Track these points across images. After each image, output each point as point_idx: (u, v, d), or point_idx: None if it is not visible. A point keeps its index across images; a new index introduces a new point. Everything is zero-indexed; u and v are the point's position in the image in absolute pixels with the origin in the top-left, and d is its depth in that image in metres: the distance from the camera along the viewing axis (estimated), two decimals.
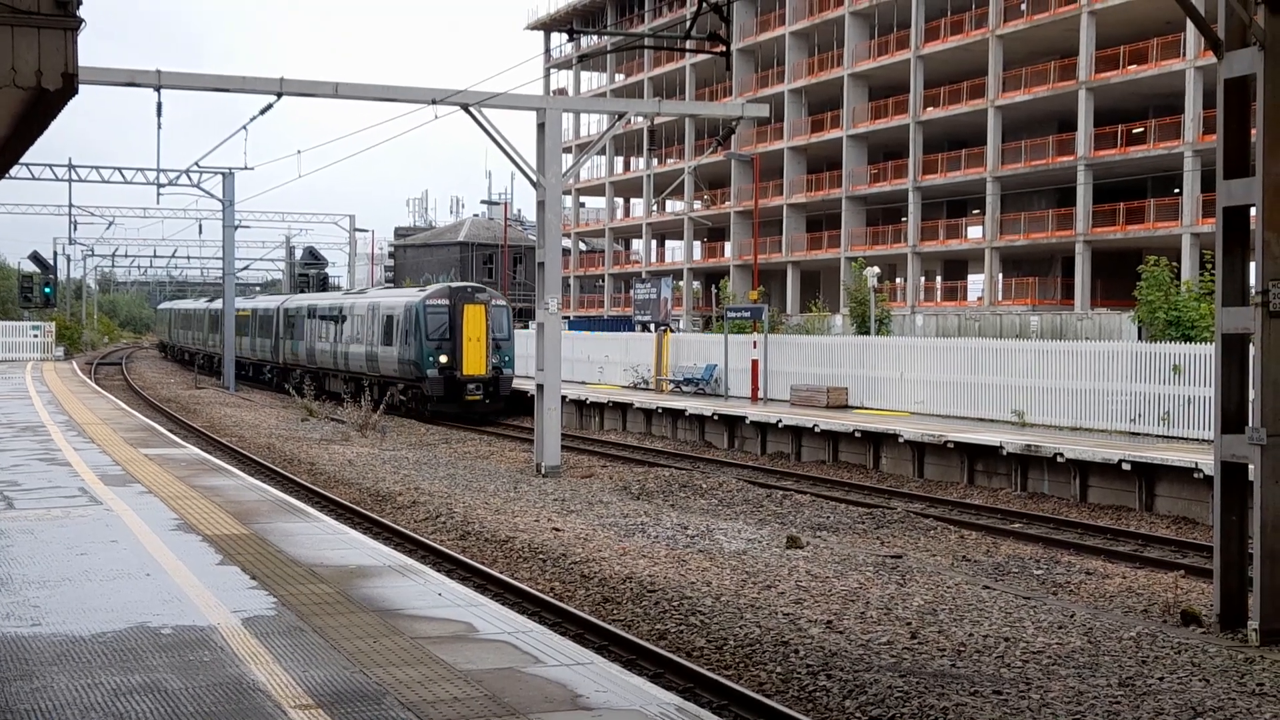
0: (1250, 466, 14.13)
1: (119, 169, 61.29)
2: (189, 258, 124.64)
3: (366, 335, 49.01)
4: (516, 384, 44.94)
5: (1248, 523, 14.35)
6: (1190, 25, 51.06)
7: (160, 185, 58.37)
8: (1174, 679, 12.28)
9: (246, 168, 51.27)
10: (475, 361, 43.36)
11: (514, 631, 11.17)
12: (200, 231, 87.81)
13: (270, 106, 28.99)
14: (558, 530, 20.42)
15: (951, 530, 21.78)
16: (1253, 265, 14.25)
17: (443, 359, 42.99)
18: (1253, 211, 14.28)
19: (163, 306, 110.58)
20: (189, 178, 59.30)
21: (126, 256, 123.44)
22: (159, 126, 30.76)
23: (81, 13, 7.51)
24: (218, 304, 70.64)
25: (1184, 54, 58.92)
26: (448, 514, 22.43)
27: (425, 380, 43.10)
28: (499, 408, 43.97)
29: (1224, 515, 14.54)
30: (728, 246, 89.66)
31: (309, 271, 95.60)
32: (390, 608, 11.93)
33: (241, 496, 19.34)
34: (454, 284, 47.67)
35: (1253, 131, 14.29)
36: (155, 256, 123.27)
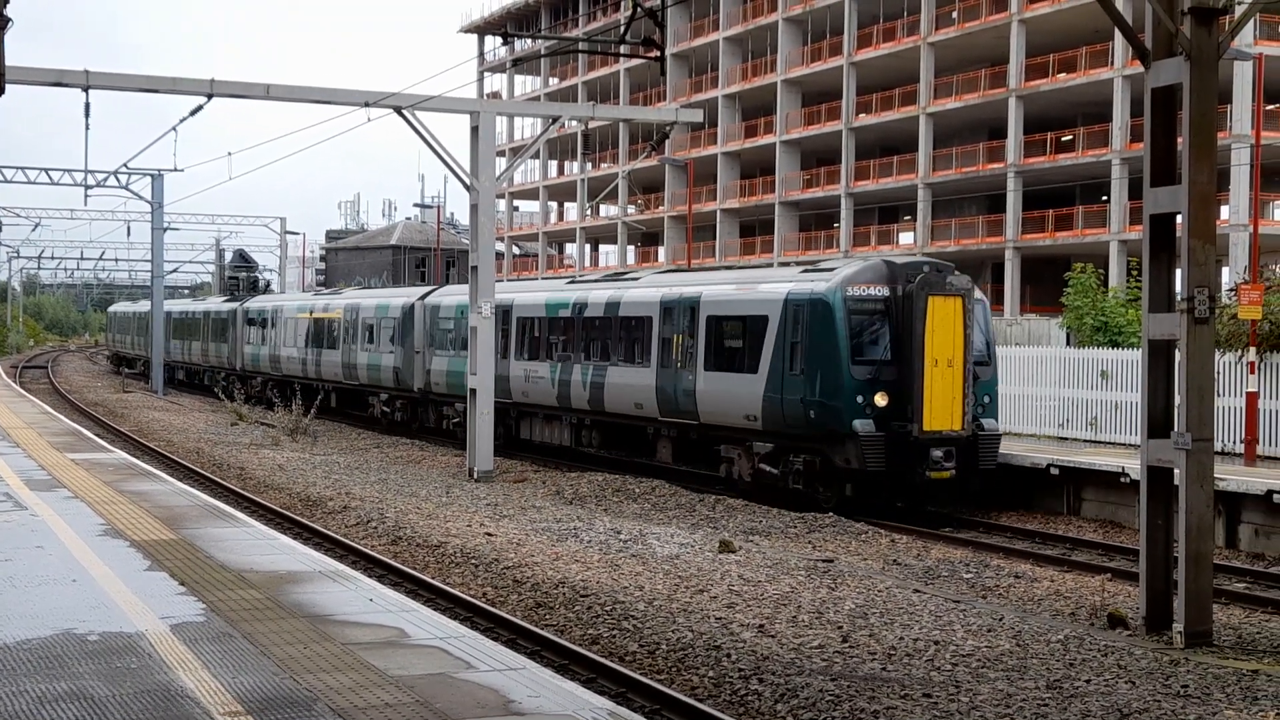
0: (1175, 471, 14.31)
1: (45, 170, 60.46)
2: (117, 260, 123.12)
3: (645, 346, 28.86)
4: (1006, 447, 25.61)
5: (1173, 526, 14.53)
6: (1118, 35, 51.66)
7: (88, 187, 57.63)
8: (1101, 681, 12.42)
9: (176, 169, 50.90)
10: (944, 407, 23.70)
11: (446, 637, 11.13)
12: (129, 234, 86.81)
13: (200, 108, 28.74)
14: (490, 535, 20.36)
15: (882, 534, 21.91)
16: (1179, 272, 14.44)
17: (880, 401, 23.54)
18: (1179, 219, 14.47)
19: (117, 309, 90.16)
20: (117, 179, 58.61)
21: (53, 259, 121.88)
22: (87, 127, 30.40)
23: (8, 11, 7.42)
24: (212, 304, 62.52)
25: (1112, 63, 59.64)
26: (379, 519, 22.31)
27: (847, 440, 23.54)
28: (976, 490, 24.50)
29: (1149, 519, 14.73)
30: (661, 251, 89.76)
31: (239, 274, 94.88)
32: (321, 613, 11.84)
33: (170, 502, 19.15)
34: (895, 257, 26.68)
35: (1179, 140, 14.47)
36: (83, 259, 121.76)
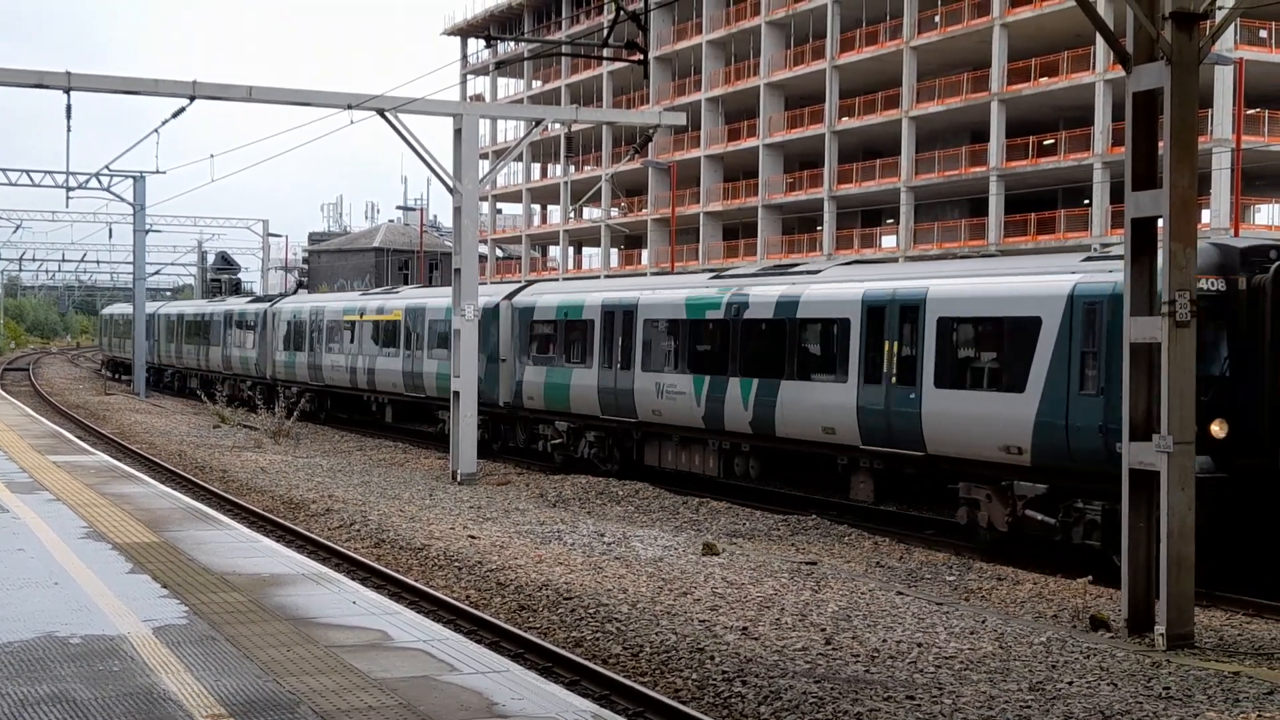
0: (1158, 474, 14.36)
1: (26, 171, 60.26)
2: (99, 262, 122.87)
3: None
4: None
5: (1155, 529, 14.58)
6: (1100, 39, 51.84)
7: (69, 188, 57.47)
8: (1083, 683, 12.45)
9: (158, 171, 50.86)
10: None
11: (429, 640, 11.13)
12: (110, 236, 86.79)
13: (183, 110, 28.68)
14: (474, 538, 20.35)
15: (865, 536, 21.94)
16: (1160, 276, 14.49)
17: (1216, 431, 17.83)
18: (1160, 223, 14.52)
19: (113, 311, 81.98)
20: (99, 181, 58.44)
21: (34, 260, 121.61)
22: (68, 129, 30.34)
23: None
24: (234, 304, 55.64)
25: (1094, 67, 59.84)
26: (362, 521, 22.29)
27: None
28: None
29: (1132, 522, 14.77)
30: (645, 254, 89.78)
31: (221, 276, 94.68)
32: (304, 616, 11.83)
33: (152, 504, 19.10)
34: (1230, 240, 20.68)
35: (1160, 144, 14.53)
36: (64, 261, 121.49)
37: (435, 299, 37.54)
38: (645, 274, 79.97)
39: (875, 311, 22.76)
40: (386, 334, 40.20)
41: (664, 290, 28.92)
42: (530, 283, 37.03)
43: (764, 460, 25.82)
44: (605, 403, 29.41)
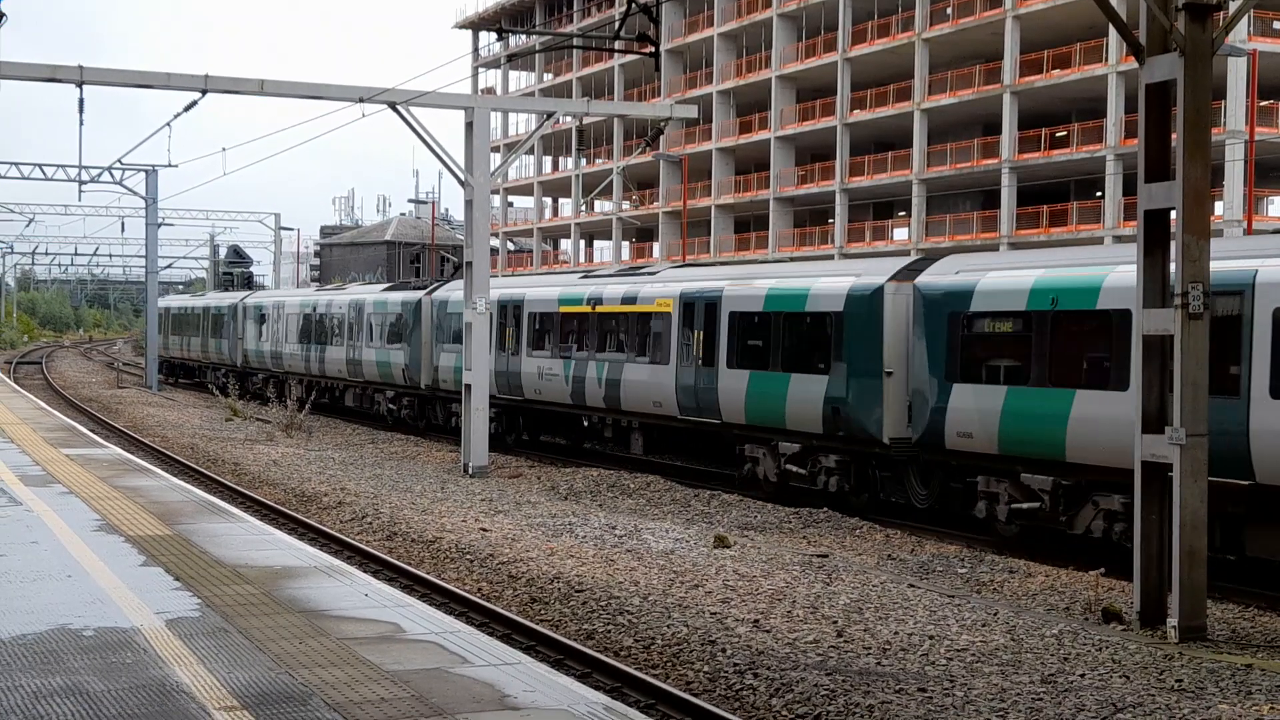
0: (1170, 466, 14.33)
1: (39, 165, 60.41)
2: (111, 256, 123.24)
3: None
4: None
5: (1167, 521, 14.55)
6: (1112, 30, 51.78)
7: (82, 182, 57.59)
8: (1095, 676, 12.44)
9: (170, 165, 50.83)
10: None
11: (441, 632, 11.14)
12: (123, 229, 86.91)
13: (195, 103, 28.73)
14: (485, 530, 20.37)
15: (877, 529, 21.92)
16: (1173, 268, 14.46)
17: None
18: (1173, 215, 14.48)
19: (171, 304, 70.73)
20: (111, 175, 58.59)
21: (47, 254, 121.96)
22: (81, 123, 30.37)
23: (4, 8, 7.41)
24: (360, 293, 44.53)
25: (1106, 59, 59.65)
26: (374, 514, 22.31)
27: None
28: None
29: (1144, 514, 14.74)
30: (656, 247, 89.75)
31: (233, 270, 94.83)
32: (316, 608, 11.85)
33: (165, 497, 19.15)
34: None
35: (1173, 136, 14.49)
36: (76, 254, 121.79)
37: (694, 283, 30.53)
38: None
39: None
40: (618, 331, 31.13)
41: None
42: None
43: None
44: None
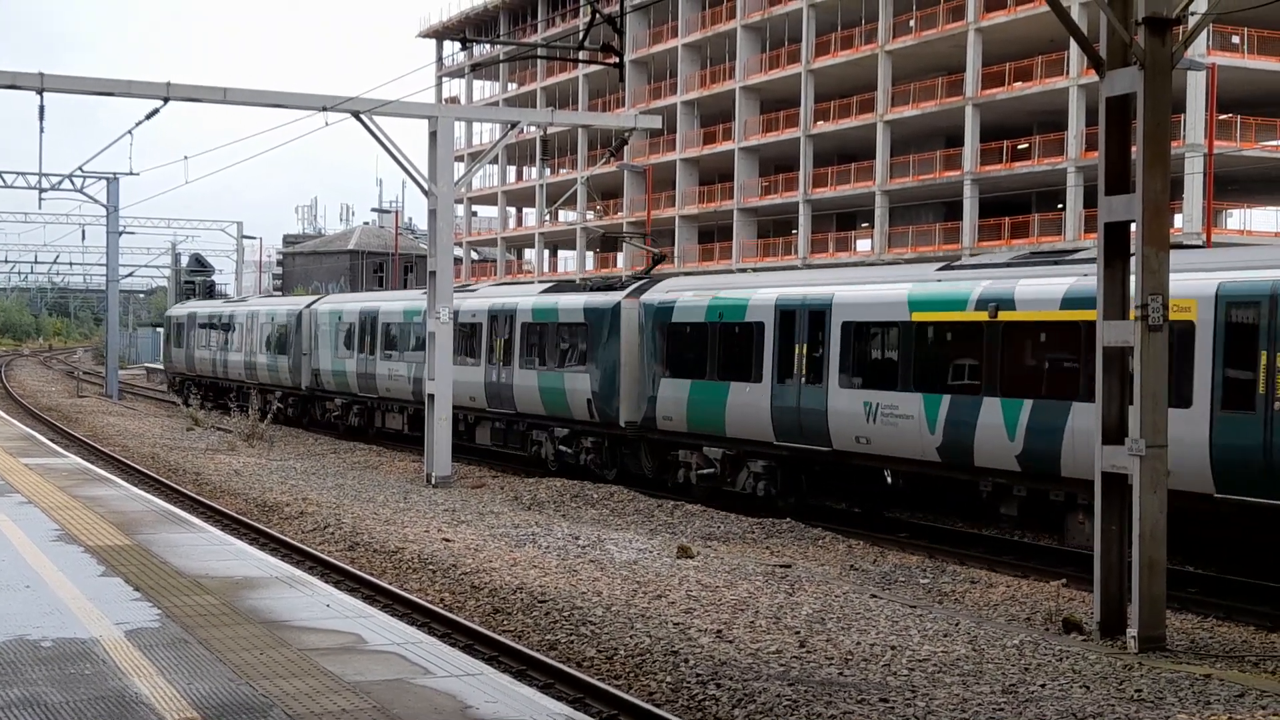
0: (1130, 477, 14.43)
1: None
2: (72, 264, 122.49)
3: None
4: None
5: (1127, 532, 14.64)
6: (1074, 44, 52.05)
7: (42, 190, 57.24)
8: (1056, 686, 12.50)
9: (132, 173, 50.61)
10: None
11: (403, 643, 11.11)
12: (84, 237, 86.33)
13: (157, 111, 28.56)
14: (448, 541, 20.32)
15: (840, 540, 21.97)
16: (1133, 279, 14.56)
17: None
18: (1133, 227, 14.59)
19: (196, 309, 58.00)
20: (72, 182, 58.18)
21: (6, 262, 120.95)
22: (41, 130, 30.22)
23: None
24: (411, 303, 37.62)
25: (1068, 72, 60.08)
26: (336, 524, 22.23)
27: None
28: None
29: (1104, 525, 14.83)
30: (620, 257, 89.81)
31: (195, 279, 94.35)
32: (277, 619, 11.80)
33: (125, 507, 19.02)
34: None
35: (1133, 149, 14.60)
36: (37, 262, 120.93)
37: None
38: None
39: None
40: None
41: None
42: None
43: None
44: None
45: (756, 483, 24.54)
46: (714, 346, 25.45)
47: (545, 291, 32.18)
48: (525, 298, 32.13)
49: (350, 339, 40.87)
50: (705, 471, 25.64)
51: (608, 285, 30.18)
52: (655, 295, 27.48)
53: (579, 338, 29.32)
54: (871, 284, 23.37)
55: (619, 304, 28.17)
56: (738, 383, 24.70)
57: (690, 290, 26.93)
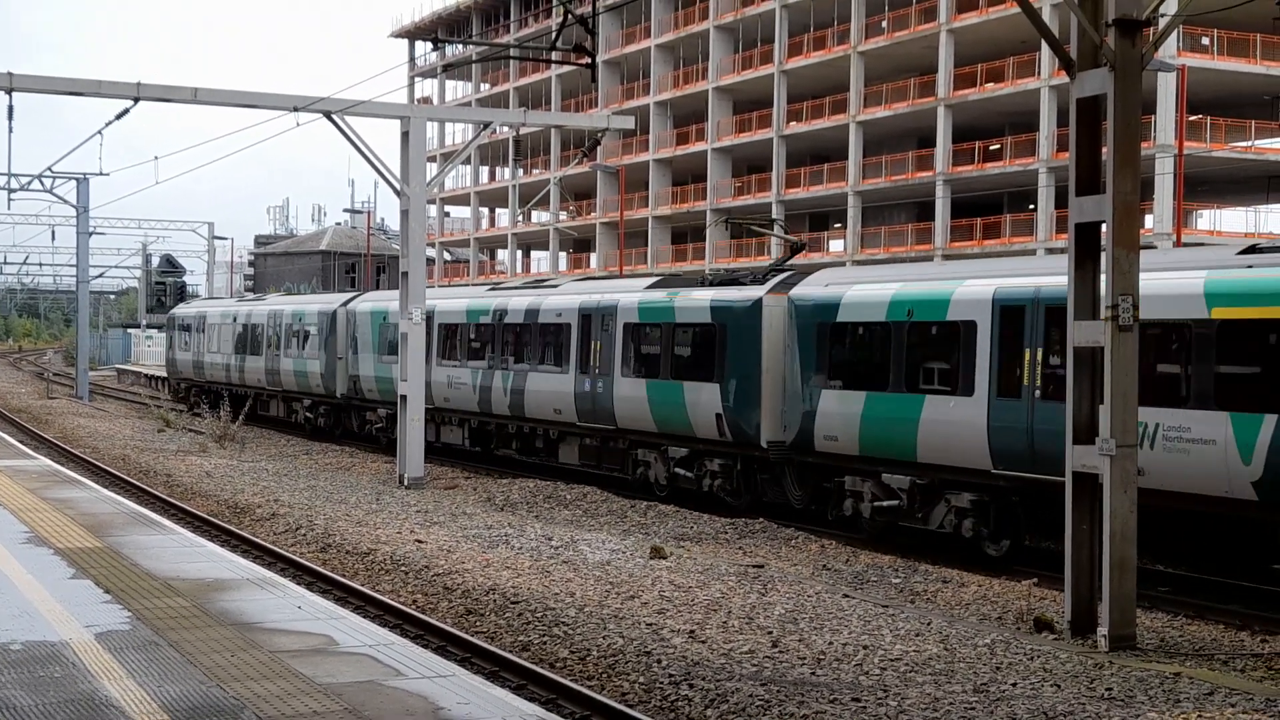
0: (1100, 476, 14.48)
1: None
2: (41, 265, 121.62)
3: None
4: None
5: (1098, 531, 14.70)
6: (1045, 46, 52.25)
7: (11, 190, 56.91)
8: (1027, 685, 12.55)
9: (102, 173, 50.36)
10: None
11: (375, 644, 11.08)
12: (53, 238, 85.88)
13: (127, 111, 28.43)
14: (421, 542, 20.28)
15: (813, 540, 22.01)
16: (1103, 280, 14.62)
17: None
18: (1104, 228, 14.65)
19: (219, 308, 52.24)
20: (42, 183, 57.86)
21: None
22: (10, 130, 30.06)
23: None
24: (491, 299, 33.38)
25: (1039, 73, 60.30)
26: (308, 526, 22.16)
27: None
28: None
29: (1075, 524, 14.88)
30: (593, 257, 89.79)
31: (166, 280, 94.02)
32: (249, 621, 11.76)
33: (95, 509, 18.93)
34: None
35: (1104, 150, 14.66)
36: (6, 263, 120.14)
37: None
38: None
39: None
40: None
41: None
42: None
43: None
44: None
45: (960, 520, 20.10)
46: (900, 351, 20.93)
47: (653, 286, 27.62)
48: (628, 294, 27.61)
49: (399, 342, 32.26)
50: (884, 504, 21.20)
51: (733, 279, 25.54)
52: (810, 289, 22.93)
53: (704, 341, 24.85)
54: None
55: (760, 300, 23.71)
56: (936, 395, 20.32)
57: (863, 283, 22.39)
